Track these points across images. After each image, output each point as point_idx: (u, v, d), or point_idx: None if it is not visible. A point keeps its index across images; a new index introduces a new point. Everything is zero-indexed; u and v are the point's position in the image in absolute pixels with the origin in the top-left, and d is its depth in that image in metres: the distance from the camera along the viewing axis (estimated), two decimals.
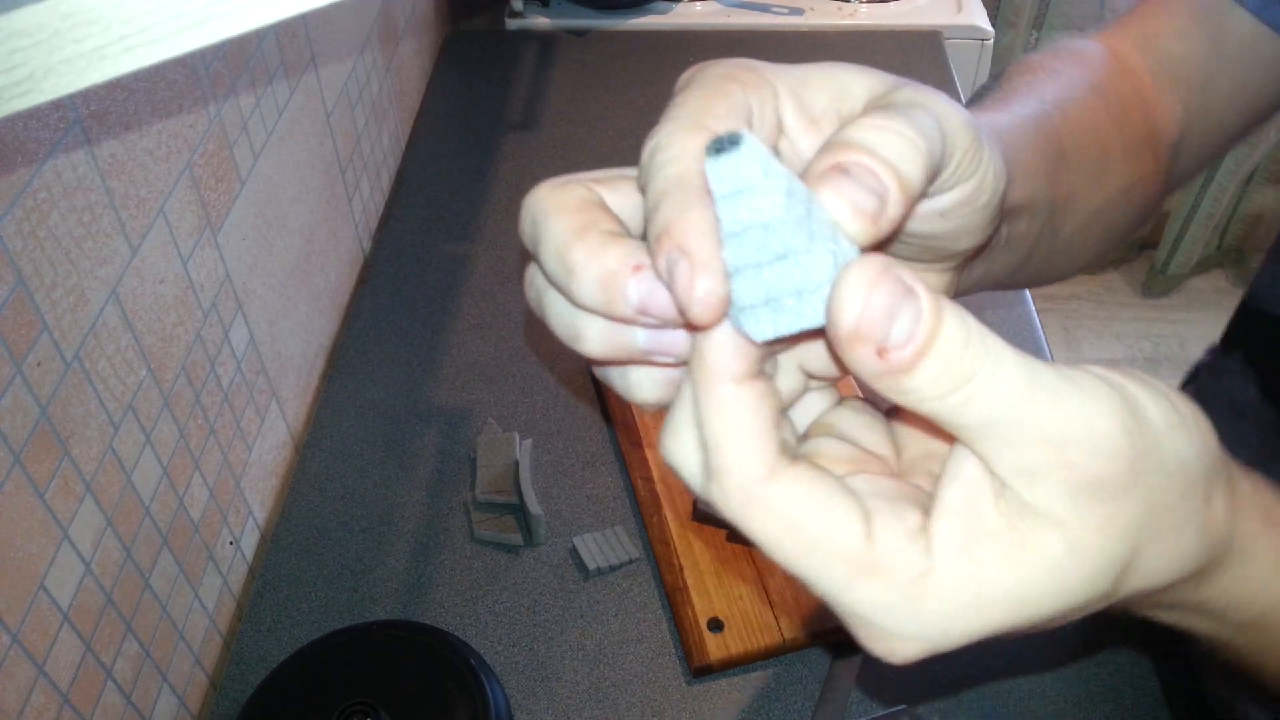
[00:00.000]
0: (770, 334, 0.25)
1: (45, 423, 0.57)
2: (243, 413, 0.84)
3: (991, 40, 1.48)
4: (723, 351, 0.25)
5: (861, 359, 0.23)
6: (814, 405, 0.31)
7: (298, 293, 0.95)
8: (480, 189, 1.20)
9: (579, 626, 0.78)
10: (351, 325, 1.04)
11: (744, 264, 0.24)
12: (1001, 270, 0.43)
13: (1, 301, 0.54)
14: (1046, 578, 0.25)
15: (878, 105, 0.28)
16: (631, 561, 0.81)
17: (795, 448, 0.29)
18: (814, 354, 0.30)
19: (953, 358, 0.23)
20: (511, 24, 1.49)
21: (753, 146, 0.24)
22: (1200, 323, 2.39)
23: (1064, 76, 0.50)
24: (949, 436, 0.26)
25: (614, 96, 1.34)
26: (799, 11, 1.50)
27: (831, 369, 0.30)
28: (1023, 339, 0.99)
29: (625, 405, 0.91)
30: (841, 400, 0.32)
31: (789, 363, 0.30)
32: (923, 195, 0.27)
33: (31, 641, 0.57)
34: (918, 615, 0.25)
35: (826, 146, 0.26)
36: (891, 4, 1.51)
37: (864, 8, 1.51)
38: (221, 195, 0.79)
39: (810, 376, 0.31)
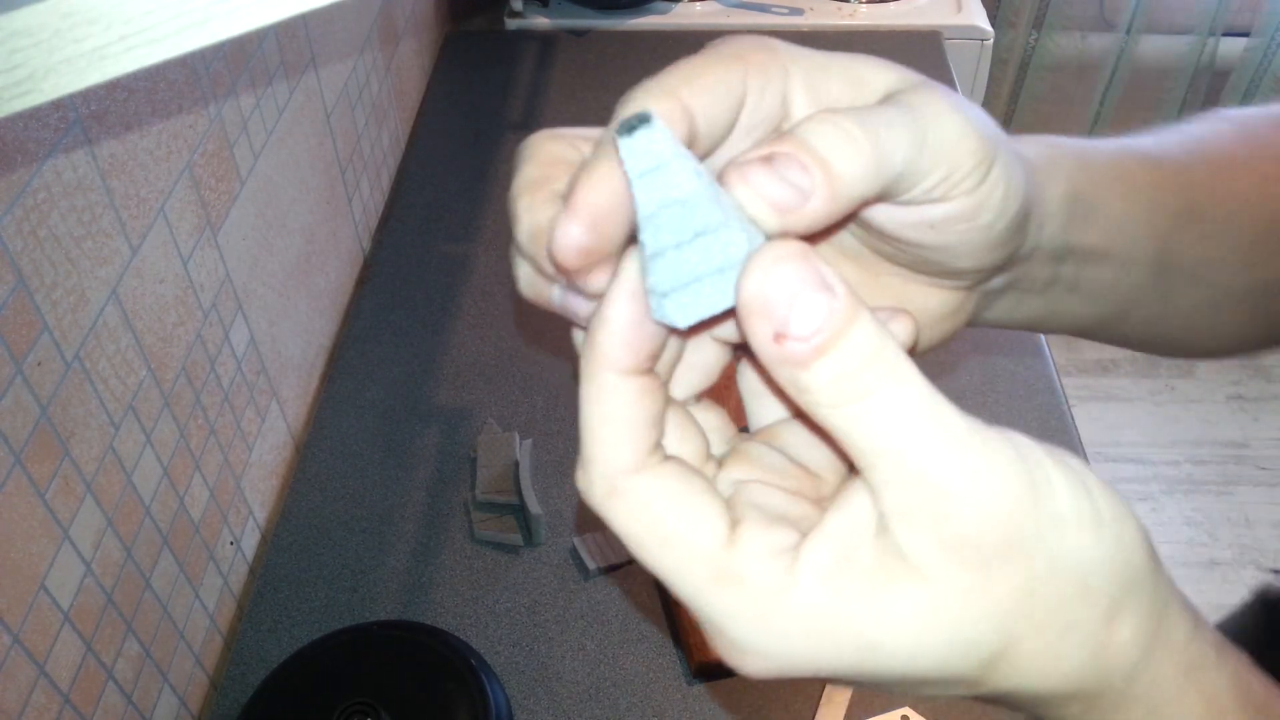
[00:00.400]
0: (694, 317, 0.24)
1: (45, 423, 0.57)
2: (243, 413, 0.84)
3: (991, 40, 1.48)
4: (611, 341, 0.25)
5: (759, 338, 0.23)
6: (777, 409, 0.31)
7: (298, 293, 0.95)
8: (480, 189, 1.20)
9: (579, 626, 0.78)
10: (351, 325, 1.04)
11: (663, 246, 0.24)
12: (1079, 317, 0.40)
13: (1, 301, 0.54)
14: (901, 629, 0.24)
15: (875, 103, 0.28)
16: (631, 561, 0.81)
17: (696, 460, 0.29)
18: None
19: (853, 367, 0.23)
20: (511, 24, 1.49)
21: (662, 125, 0.24)
22: None
23: (1256, 138, 0.43)
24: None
25: (614, 96, 1.33)
26: (799, 11, 1.50)
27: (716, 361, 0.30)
28: (1022, 338, 0.99)
29: None
30: (797, 415, 0.31)
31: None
32: (867, 200, 0.26)
33: (32, 641, 0.57)
34: (768, 632, 0.24)
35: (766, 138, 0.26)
36: (891, 4, 1.51)
37: (864, 8, 1.51)
38: (221, 195, 0.79)
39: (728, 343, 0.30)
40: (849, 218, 0.29)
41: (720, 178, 0.25)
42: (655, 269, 0.24)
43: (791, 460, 0.29)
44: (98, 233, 0.62)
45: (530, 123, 1.30)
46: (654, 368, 0.26)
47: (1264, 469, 2.01)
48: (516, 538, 0.83)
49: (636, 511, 0.25)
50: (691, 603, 0.25)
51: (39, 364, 0.57)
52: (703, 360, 0.30)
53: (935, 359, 0.97)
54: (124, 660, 0.66)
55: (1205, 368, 2.20)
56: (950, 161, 0.27)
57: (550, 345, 1.00)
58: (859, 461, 0.24)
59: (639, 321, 0.25)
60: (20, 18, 0.27)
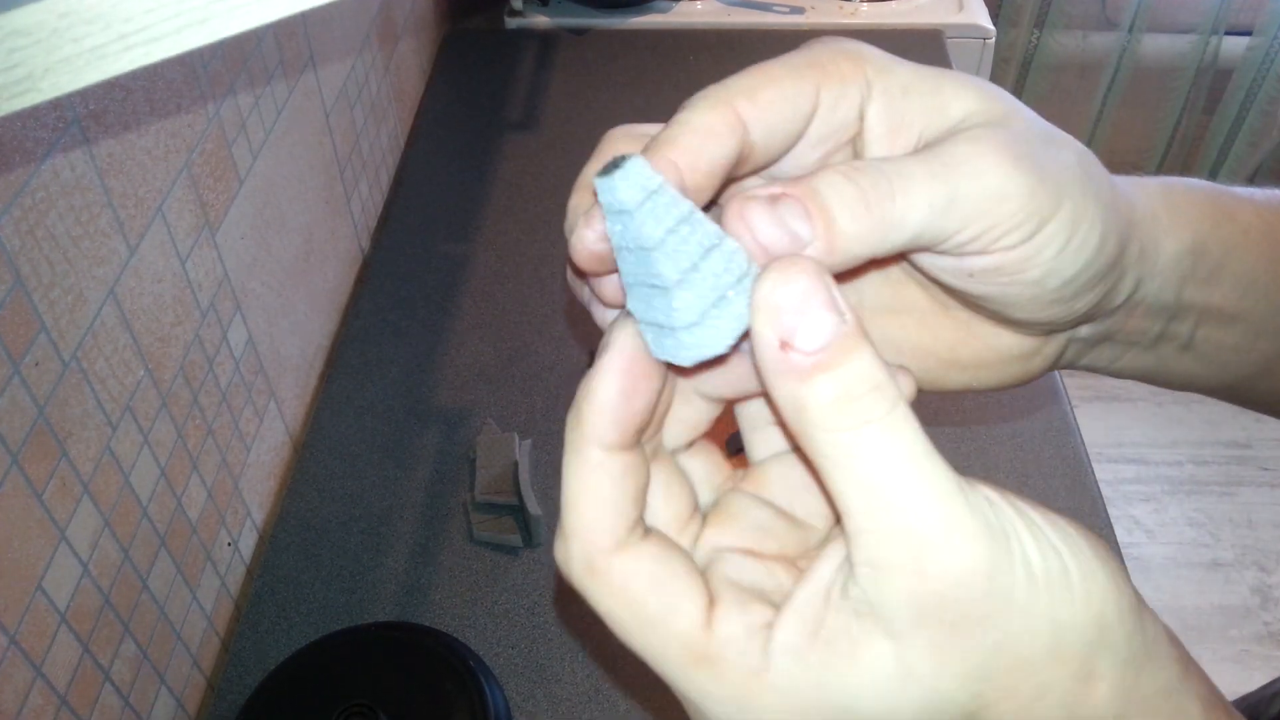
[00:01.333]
0: (695, 358, 0.24)
1: (43, 423, 0.57)
2: (241, 413, 0.83)
3: (993, 39, 1.47)
4: (598, 416, 0.25)
5: (764, 343, 0.23)
6: (776, 441, 0.30)
7: (296, 292, 0.95)
8: (480, 189, 1.20)
9: (578, 628, 0.77)
10: (350, 325, 1.03)
11: (633, 280, 0.25)
12: (1199, 378, 0.38)
13: None
14: (874, 694, 0.23)
15: (924, 145, 0.27)
16: None
17: (688, 532, 0.28)
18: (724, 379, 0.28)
19: (856, 391, 0.22)
20: (511, 23, 1.49)
21: (637, 171, 0.24)
22: None
23: None
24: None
25: (614, 96, 1.34)
26: (800, 10, 1.49)
27: (743, 386, 0.29)
28: None
29: None
30: (796, 449, 0.30)
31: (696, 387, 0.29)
32: (878, 257, 0.26)
33: (29, 643, 0.57)
34: (744, 712, 0.24)
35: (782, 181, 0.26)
36: (893, 3, 1.51)
37: (865, 6, 1.51)
38: (220, 195, 0.79)
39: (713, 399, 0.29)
40: (900, 255, 0.28)
41: (724, 205, 0.25)
42: (629, 296, 0.24)
43: (779, 512, 0.28)
44: (95, 232, 0.62)
45: (530, 122, 1.30)
46: (640, 442, 0.26)
47: (1266, 470, 2.01)
48: (516, 539, 0.83)
49: (615, 592, 0.25)
50: (671, 683, 0.25)
51: (36, 364, 0.56)
52: (692, 415, 0.29)
53: None
54: (121, 661, 0.66)
55: None
56: (986, 219, 0.26)
57: (550, 344, 1.00)
58: (842, 500, 0.23)
59: (628, 397, 0.25)
60: (18, 17, 0.27)
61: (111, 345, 0.64)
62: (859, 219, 0.25)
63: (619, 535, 0.25)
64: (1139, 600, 0.25)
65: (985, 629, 0.23)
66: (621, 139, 0.29)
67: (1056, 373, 0.96)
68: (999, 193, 0.26)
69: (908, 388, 0.28)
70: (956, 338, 0.33)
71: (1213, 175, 2.26)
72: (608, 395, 0.24)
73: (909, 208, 0.25)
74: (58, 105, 0.58)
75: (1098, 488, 0.87)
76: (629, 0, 1.48)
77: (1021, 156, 0.26)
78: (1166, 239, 0.32)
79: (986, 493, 0.24)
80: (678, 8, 1.50)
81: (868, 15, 1.49)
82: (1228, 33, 2.07)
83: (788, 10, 1.50)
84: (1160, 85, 2.16)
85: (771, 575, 0.27)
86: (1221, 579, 1.84)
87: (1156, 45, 2.11)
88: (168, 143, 0.71)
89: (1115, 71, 2.15)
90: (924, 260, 0.29)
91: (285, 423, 0.93)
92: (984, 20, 1.47)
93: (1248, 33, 2.07)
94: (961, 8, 1.50)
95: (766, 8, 1.50)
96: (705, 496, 0.29)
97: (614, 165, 0.24)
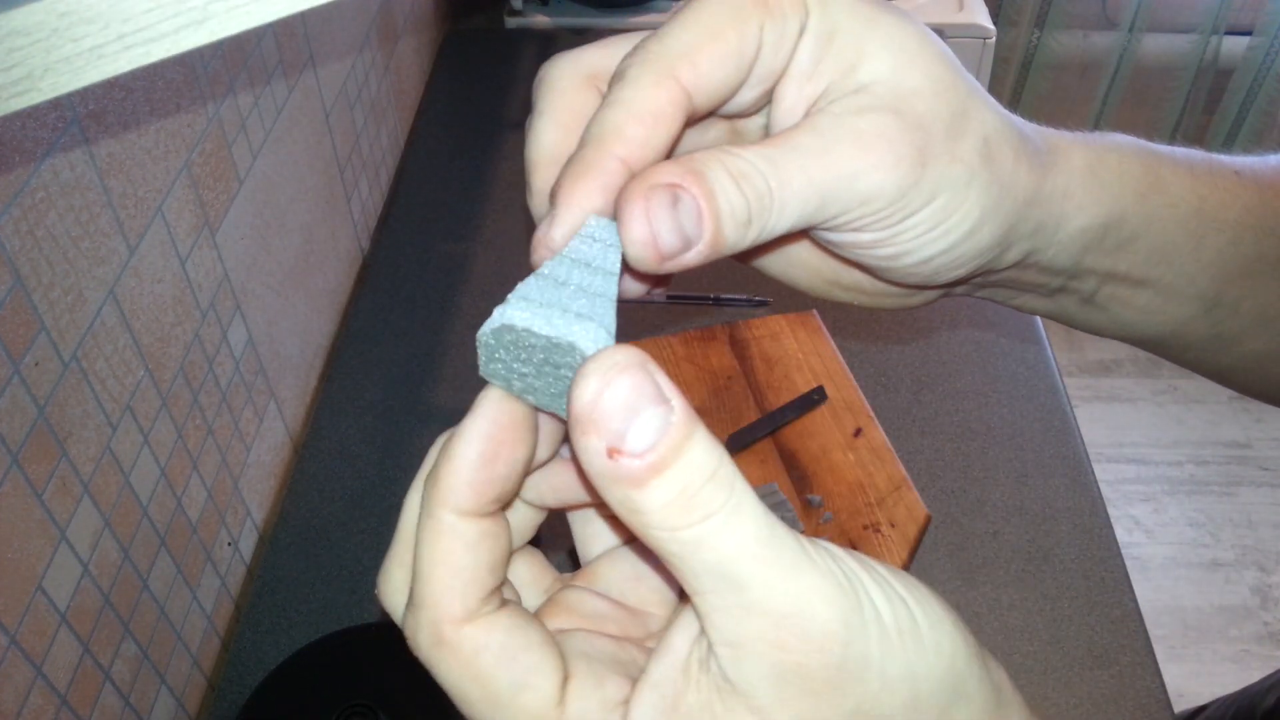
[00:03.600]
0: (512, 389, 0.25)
1: (43, 423, 0.57)
2: (241, 413, 0.83)
3: (993, 39, 1.47)
4: (455, 478, 0.24)
5: (591, 453, 0.21)
6: (607, 536, 0.29)
7: (296, 293, 0.95)
8: (480, 188, 1.20)
9: None
10: (350, 325, 1.03)
11: (550, 298, 0.25)
12: (1106, 329, 0.38)
13: None
14: None
15: (812, 113, 0.27)
16: None
17: (518, 598, 0.28)
18: (558, 481, 0.28)
19: (693, 486, 0.21)
20: (511, 22, 1.49)
21: (509, 339, 0.24)
22: None
23: None
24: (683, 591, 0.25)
25: None
26: None
27: (569, 495, 0.28)
28: (1024, 339, 0.99)
29: None
30: (629, 541, 0.29)
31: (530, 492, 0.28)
32: (742, 247, 0.26)
33: (29, 642, 0.57)
34: None
35: (685, 158, 0.25)
36: (893, 2, 1.50)
37: None
38: (220, 195, 0.79)
39: (548, 509, 0.29)
40: None
41: (624, 193, 0.25)
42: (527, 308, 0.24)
43: (614, 603, 0.28)
44: (95, 232, 0.62)
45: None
46: (500, 510, 0.25)
47: (1266, 470, 2.01)
48: None
49: (464, 664, 0.23)
50: None
51: (36, 364, 0.56)
52: (518, 521, 0.28)
53: (936, 359, 0.97)
54: (121, 661, 0.66)
55: None
56: (851, 212, 0.27)
57: None
58: (691, 586, 0.22)
59: (488, 462, 0.24)
60: (18, 17, 0.27)
61: (111, 345, 0.64)
62: (740, 228, 0.25)
63: (471, 605, 0.23)
64: (980, 647, 0.25)
65: (845, 693, 0.22)
66: (569, 89, 0.29)
67: (1056, 373, 0.96)
68: (866, 196, 0.27)
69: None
70: (840, 265, 0.33)
71: None
72: (466, 458, 0.24)
73: (783, 213, 0.26)
74: (57, 105, 0.58)
75: (1097, 488, 0.87)
76: (629, 0, 1.48)
77: (902, 157, 0.27)
78: (1074, 214, 0.32)
79: (829, 548, 0.23)
80: (677, 7, 1.49)
81: None
82: (1228, 32, 2.07)
83: None
84: (1161, 85, 2.16)
85: (623, 649, 0.26)
86: (1221, 579, 1.84)
87: (1157, 45, 2.11)
88: (167, 143, 0.70)
89: (1115, 71, 2.15)
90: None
91: (285, 422, 0.93)
92: (984, 20, 1.47)
93: (1248, 32, 2.07)
94: (962, 7, 1.50)
95: None
96: (532, 601, 0.28)
97: (495, 325, 0.24)
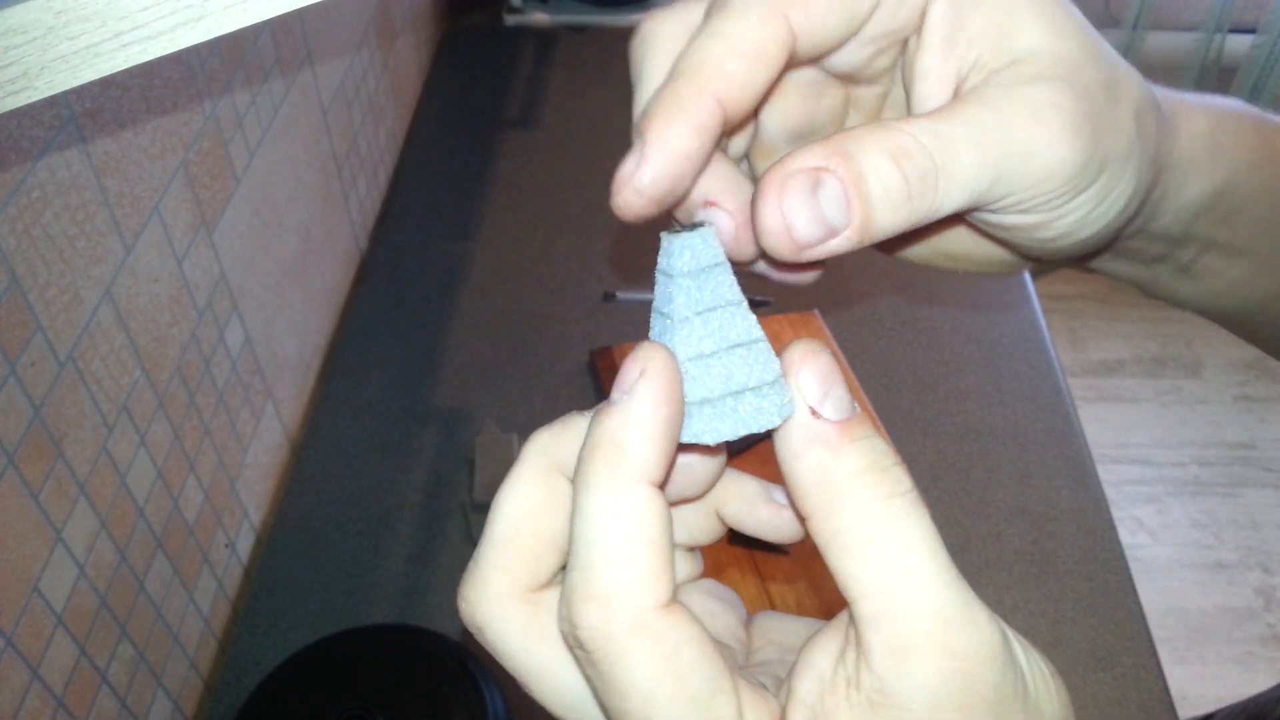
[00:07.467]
0: (726, 435, 0.23)
1: (39, 424, 0.57)
2: (238, 414, 0.83)
3: None
4: (647, 446, 0.22)
5: (797, 406, 0.22)
6: (679, 569, 0.28)
7: (294, 292, 0.94)
8: (479, 187, 1.19)
9: None
10: (348, 325, 1.03)
11: (697, 352, 0.23)
12: (1189, 299, 0.37)
13: None
14: None
15: (979, 86, 0.25)
16: None
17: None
18: (693, 518, 0.27)
19: (882, 460, 0.22)
20: (510, 20, 1.48)
21: (702, 245, 0.23)
22: (1207, 323, 2.38)
23: None
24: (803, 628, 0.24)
25: (613, 93, 1.33)
26: None
27: (704, 534, 0.27)
28: (1027, 339, 0.98)
29: None
30: (698, 579, 0.28)
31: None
32: (897, 231, 0.25)
33: (26, 644, 0.56)
34: None
35: (827, 141, 0.24)
36: None
37: None
38: (217, 193, 0.78)
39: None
40: None
41: (761, 180, 0.24)
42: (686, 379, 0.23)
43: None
44: (92, 231, 0.61)
45: (529, 120, 1.29)
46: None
47: (1271, 470, 2.00)
48: None
49: (666, 658, 0.21)
50: None
51: (32, 364, 0.56)
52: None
53: (938, 359, 0.96)
54: (118, 663, 0.66)
55: (1212, 368, 2.19)
56: (1024, 192, 0.25)
57: (551, 345, 1.00)
58: (860, 583, 0.22)
59: (676, 424, 0.22)
60: (14, 15, 0.26)
61: (108, 345, 0.64)
62: (897, 210, 0.24)
63: (670, 590, 0.22)
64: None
65: (999, 714, 0.22)
66: (668, 41, 0.26)
67: (1059, 373, 0.95)
68: (1045, 173, 0.25)
69: None
70: (955, 234, 0.32)
71: None
72: (659, 421, 0.22)
73: (949, 192, 0.24)
74: (53, 103, 0.58)
75: (1101, 489, 0.86)
76: None
77: (1079, 128, 0.25)
78: (1194, 182, 0.31)
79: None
80: None
81: None
82: (1232, 30, 2.07)
83: None
84: (1164, 83, 2.14)
85: (748, 674, 0.25)
86: (1225, 581, 1.84)
87: (1160, 43, 2.10)
88: (164, 141, 0.70)
89: None
90: None
91: (283, 423, 0.92)
92: None
93: (1252, 30, 2.06)
94: None
95: None
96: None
97: (686, 227, 0.23)
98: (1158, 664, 0.74)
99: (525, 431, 0.90)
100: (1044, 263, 0.32)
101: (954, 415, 0.91)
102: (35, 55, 0.27)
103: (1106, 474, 1.97)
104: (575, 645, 0.22)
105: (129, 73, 0.65)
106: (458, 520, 0.85)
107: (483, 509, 0.84)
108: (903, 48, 0.27)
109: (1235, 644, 1.75)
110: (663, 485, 0.22)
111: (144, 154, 0.67)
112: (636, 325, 1.00)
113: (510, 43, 1.45)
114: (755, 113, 0.28)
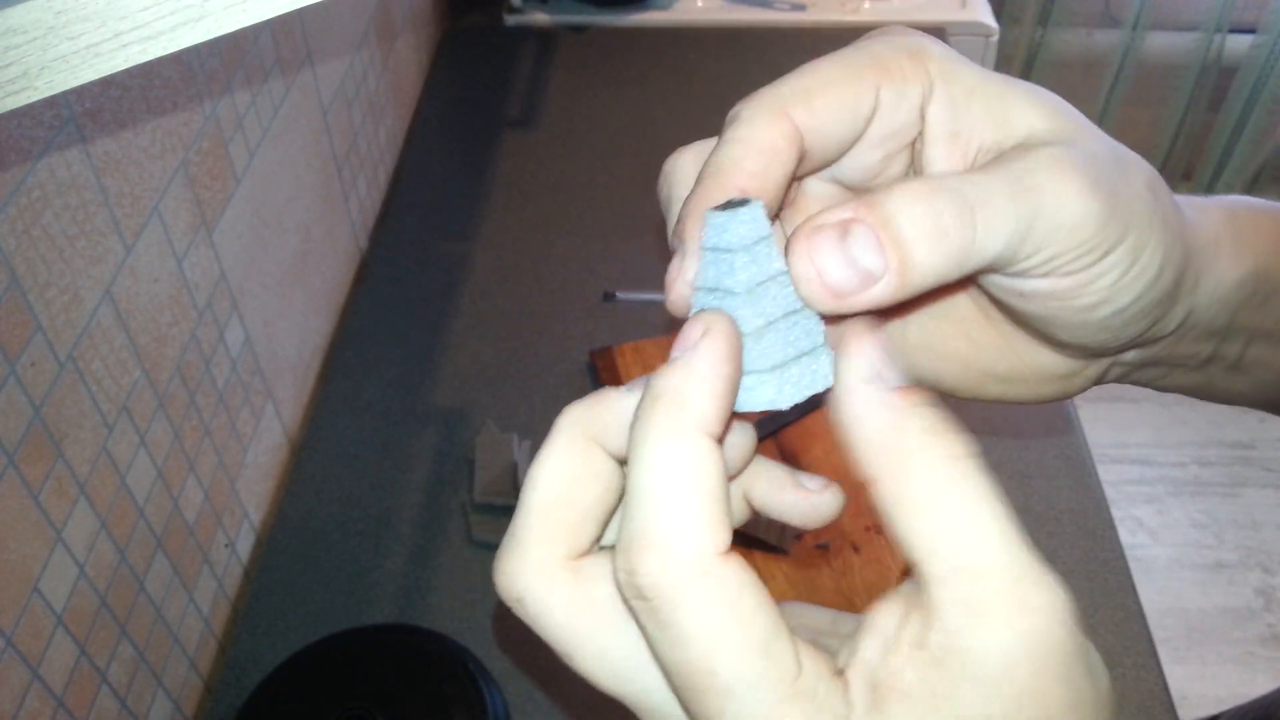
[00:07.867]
0: (790, 399, 0.24)
1: (39, 424, 0.57)
2: (238, 414, 0.83)
3: (996, 37, 1.47)
4: (709, 398, 0.22)
5: (859, 370, 0.23)
6: None
7: (294, 292, 0.94)
8: (479, 187, 1.19)
9: None
10: (348, 325, 1.03)
11: (754, 325, 0.24)
12: (1247, 396, 0.38)
13: None
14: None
15: (993, 159, 0.26)
16: None
17: None
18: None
19: (946, 423, 0.23)
20: (510, 20, 1.48)
21: (754, 217, 0.24)
22: None
23: None
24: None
25: (613, 93, 1.33)
26: (801, 7, 1.49)
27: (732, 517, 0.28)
28: None
29: None
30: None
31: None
32: (945, 282, 0.25)
33: (26, 644, 0.56)
34: None
35: (865, 195, 0.25)
36: (895, 0, 1.50)
37: (867, 4, 1.50)
38: (217, 194, 0.78)
39: None
40: None
41: (791, 237, 0.24)
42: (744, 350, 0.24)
43: None
44: (92, 231, 0.61)
45: (529, 120, 1.29)
46: None
47: (1271, 471, 2.00)
48: None
49: (730, 602, 0.21)
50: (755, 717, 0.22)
51: (32, 364, 0.56)
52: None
53: None
54: (118, 663, 0.66)
55: None
56: (1055, 246, 0.25)
57: (550, 346, 1.00)
58: (929, 539, 0.22)
59: (735, 384, 0.23)
60: (14, 14, 0.26)
61: (108, 345, 0.64)
62: (936, 250, 0.24)
63: (727, 540, 0.22)
64: None
65: (1071, 684, 0.22)
66: (689, 165, 0.28)
67: None
68: (1075, 221, 0.25)
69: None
70: (997, 350, 0.32)
71: (1217, 173, 2.26)
72: (722, 374, 0.22)
73: (990, 235, 0.24)
74: (53, 103, 0.58)
75: (1101, 489, 0.86)
76: None
77: (1097, 183, 0.25)
78: (1228, 267, 0.31)
79: None
80: (678, 5, 1.49)
81: (870, 12, 1.49)
82: (1231, 30, 2.07)
83: (789, 7, 1.49)
84: (1164, 83, 2.16)
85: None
86: (1225, 581, 1.84)
87: (1160, 43, 2.10)
88: (164, 141, 0.70)
89: (1119, 69, 2.14)
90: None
91: (283, 423, 0.92)
92: (987, 18, 1.47)
93: (1252, 30, 2.06)
94: (964, 5, 1.49)
95: (768, 4, 1.49)
96: None
97: (734, 204, 0.24)
98: (1158, 664, 0.74)
99: (525, 431, 0.90)
100: (1091, 360, 0.32)
101: (953, 414, 0.91)
102: (35, 55, 0.27)
103: (1106, 474, 1.97)
104: (634, 595, 0.22)
105: (129, 73, 0.65)
106: (458, 520, 0.85)
107: (483, 509, 0.84)
108: (912, 154, 0.28)
109: (1235, 644, 1.75)
110: (720, 442, 0.23)
111: (144, 154, 0.67)
112: (636, 325, 1.00)
113: (510, 43, 1.45)
114: (776, 215, 0.28)
